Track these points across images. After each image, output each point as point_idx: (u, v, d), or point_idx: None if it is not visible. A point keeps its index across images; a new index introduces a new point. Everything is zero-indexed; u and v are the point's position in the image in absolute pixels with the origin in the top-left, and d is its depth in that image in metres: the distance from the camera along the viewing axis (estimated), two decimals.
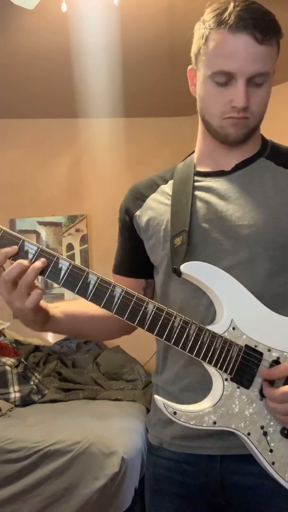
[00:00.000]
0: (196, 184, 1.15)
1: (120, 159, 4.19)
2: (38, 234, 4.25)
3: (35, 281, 1.03)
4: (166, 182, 1.21)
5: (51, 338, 4.11)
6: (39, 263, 1.01)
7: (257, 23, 0.99)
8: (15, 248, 1.03)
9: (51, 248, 4.26)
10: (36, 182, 4.20)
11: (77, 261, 4.27)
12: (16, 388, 3.17)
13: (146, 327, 1.03)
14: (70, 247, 4.29)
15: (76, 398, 3.20)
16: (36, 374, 3.39)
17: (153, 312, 1.03)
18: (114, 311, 1.03)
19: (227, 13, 1.01)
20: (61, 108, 3.96)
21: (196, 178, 1.16)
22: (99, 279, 1.02)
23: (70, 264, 1.03)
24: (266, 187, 1.10)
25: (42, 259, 1.01)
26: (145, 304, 1.03)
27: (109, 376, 3.45)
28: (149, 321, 1.02)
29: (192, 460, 1.12)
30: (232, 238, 1.08)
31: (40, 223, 4.24)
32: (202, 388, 1.06)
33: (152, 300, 1.17)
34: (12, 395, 3.14)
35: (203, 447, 1.10)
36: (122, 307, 1.02)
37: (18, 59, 3.11)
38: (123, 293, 1.03)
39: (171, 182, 1.19)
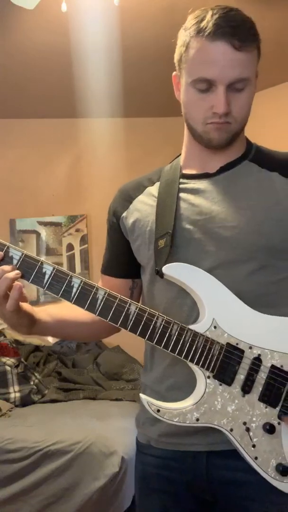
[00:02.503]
0: (181, 186, 1.17)
1: (120, 159, 4.18)
2: (38, 234, 4.25)
3: (19, 284, 1.07)
4: (153, 184, 1.24)
5: (51, 338, 4.11)
6: (11, 275, 1.05)
7: (234, 30, 1.02)
8: (0, 254, 1.07)
9: (51, 248, 4.26)
10: (36, 182, 4.20)
11: (77, 261, 4.27)
12: (16, 388, 3.17)
13: (129, 328, 1.06)
14: (70, 247, 4.29)
15: (76, 398, 3.20)
16: (36, 374, 3.39)
17: (136, 313, 1.06)
18: (97, 312, 1.06)
19: (205, 21, 1.04)
20: (61, 108, 3.96)
21: (181, 180, 1.18)
22: (82, 282, 1.07)
23: (54, 268, 1.07)
24: (250, 190, 1.12)
25: (16, 271, 1.06)
26: (127, 306, 1.07)
27: (109, 376, 3.45)
28: (131, 321, 1.06)
29: (178, 457, 1.14)
30: (215, 240, 1.10)
31: (40, 223, 4.24)
32: (188, 386, 1.08)
33: (140, 299, 1.19)
34: (12, 395, 3.14)
35: (189, 443, 1.12)
36: (105, 308, 1.06)
37: (18, 59, 3.11)
38: (106, 295, 1.06)
39: (157, 184, 1.22)
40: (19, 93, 3.67)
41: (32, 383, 3.26)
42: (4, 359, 3.27)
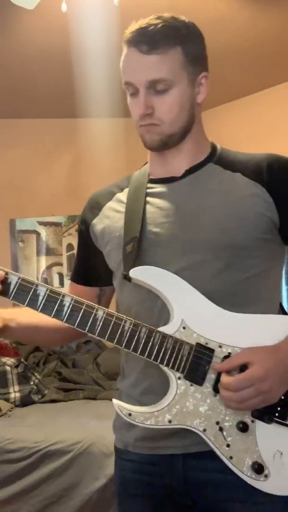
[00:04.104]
0: (148, 190, 1.19)
1: (120, 159, 4.18)
2: (38, 234, 4.25)
3: None
4: (122, 190, 1.25)
5: None
6: None
7: (142, 36, 1.08)
8: None
9: (51, 248, 4.27)
10: (36, 182, 4.20)
11: None
12: (16, 388, 3.17)
13: (97, 333, 1.06)
14: (70, 247, 4.29)
15: (76, 398, 3.20)
16: (36, 374, 3.39)
17: (103, 317, 1.06)
18: (64, 320, 1.06)
19: (128, 30, 1.12)
20: (61, 108, 3.96)
21: (149, 185, 1.20)
22: (48, 290, 1.07)
23: (19, 278, 1.07)
24: (213, 191, 1.14)
25: None
26: (94, 311, 1.07)
27: (109, 376, 3.45)
28: (99, 327, 1.06)
29: (155, 461, 1.14)
30: (181, 241, 1.11)
31: (40, 223, 4.24)
32: (162, 390, 1.08)
33: (111, 305, 1.20)
34: (12, 395, 3.14)
35: (165, 447, 1.11)
36: (72, 315, 1.06)
37: (18, 59, 3.11)
38: (72, 302, 1.06)
39: (126, 190, 1.24)
40: (19, 93, 3.67)
41: (32, 383, 3.26)
42: (4, 359, 3.27)
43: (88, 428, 2.63)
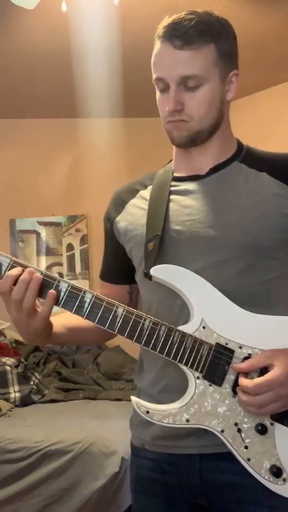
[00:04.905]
0: (172, 188, 1.18)
1: (120, 159, 4.18)
2: (38, 234, 4.25)
3: (52, 291, 1.05)
4: (145, 187, 1.24)
5: None
6: (34, 283, 1.03)
7: (176, 31, 1.06)
8: None
9: (51, 248, 4.27)
10: (36, 182, 4.20)
11: (77, 261, 4.27)
12: (16, 388, 3.17)
13: (116, 330, 1.05)
14: (70, 247, 4.29)
15: (76, 398, 3.20)
16: (36, 374, 3.39)
17: (123, 315, 1.05)
18: (85, 316, 1.06)
19: (160, 25, 1.10)
20: (61, 108, 3.96)
21: (172, 183, 1.19)
22: (69, 286, 1.06)
23: (41, 273, 1.06)
24: (238, 190, 1.13)
25: (36, 275, 1.04)
26: (115, 308, 1.05)
27: (109, 376, 3.45)
28: (119, 324, 1.05)
29: (172, 460, 1.13)
30: (203, 240, 1.10)
31: (40, 223, 4.24)
32: (180, 389, 1.07)
33: (137, 302, 1.18)
34: (12, 395, 3.14)
35: (182, 446, 1.11)
36: (93, 311, 1.05)
37: (18, 59, 3.11)
38: (93, 298, 1.05)
39: (150, 187, 1.23)
40: (19, 93, 3.67)
41: (32, 383, 3.26)
42: (4, 359, 3.27)
43: (88, 428, 2.63)
